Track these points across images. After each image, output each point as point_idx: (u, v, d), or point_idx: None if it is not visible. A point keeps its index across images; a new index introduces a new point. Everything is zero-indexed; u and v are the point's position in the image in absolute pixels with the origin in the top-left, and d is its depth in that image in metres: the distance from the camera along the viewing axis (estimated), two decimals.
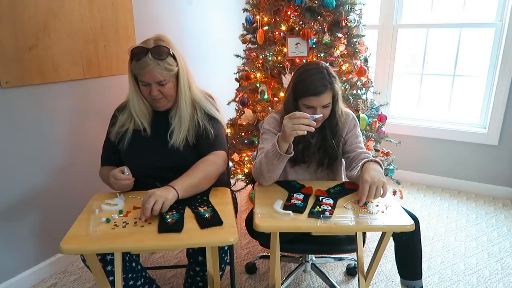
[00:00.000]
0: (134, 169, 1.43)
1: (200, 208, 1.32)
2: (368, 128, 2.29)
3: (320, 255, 2.07)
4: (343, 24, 2.19)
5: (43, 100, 1.93)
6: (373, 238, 2.40)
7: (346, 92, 2.22)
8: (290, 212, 1.29)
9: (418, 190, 3.18)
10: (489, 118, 2.96)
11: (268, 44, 2.33)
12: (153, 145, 1.55)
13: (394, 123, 3.20)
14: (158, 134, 1.55)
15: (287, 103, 1.59)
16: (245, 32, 2.50)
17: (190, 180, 1.38)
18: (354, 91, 2.30)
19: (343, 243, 1.57)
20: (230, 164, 2.49)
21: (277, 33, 2.32)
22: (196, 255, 1.53)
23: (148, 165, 1.52)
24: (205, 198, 1.41)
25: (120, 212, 1.29)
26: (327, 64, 1.59)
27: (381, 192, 1.28)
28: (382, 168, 1.37)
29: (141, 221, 1.23)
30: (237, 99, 2.60)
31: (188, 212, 1.30)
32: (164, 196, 1.25)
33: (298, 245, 1.57)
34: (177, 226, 1.19)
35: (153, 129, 1.56)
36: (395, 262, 1.66)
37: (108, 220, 1.23)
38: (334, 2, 2.13)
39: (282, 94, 2.28)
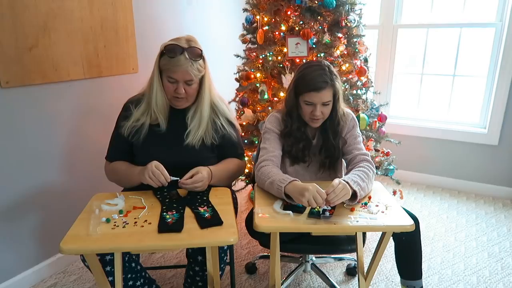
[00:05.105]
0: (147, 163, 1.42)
1: (200, 208, 1.32)
2: (368, 128, 2.29)
3: (320, 255, 2.06)
4: (343, 24, 2.19)
5: (43, 100, 1.93)
6: (373, 238, 2.40)
7: (346, 92, 2.22)
8: (290, 212, 1.29)
9: (418, 190, 3.18)
10: (489, 118, 2.96)
11: (268, 44, 2.33)
12: (169, 141, 1.57)
13: (394, 123, 3.20)
14: (174, 131, 1.57)
15: (288, 100, 1.61)
16: (245, 32, 2.50)
17: (223, 166, 1.59)
18: (354, 91, 2.30)
19: (343, 243, 1.56)
20: None
21: (277, 33, 2.31)
22: (195, 255, 1.53)
23: (163, 161, 1.51)
24: (205, 198, 1.41)
25: (120, 212, 1.29)
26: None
27: (335, 197, 1.26)
28: (356, 198, 1.34)
29: (141, 221, 1.23)
30: (237, 99, 2.60)
31: (188, 212, 1.30)
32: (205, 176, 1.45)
33: (298, 245, 1.57)
34: (177, 226, 1.19)
35: (169, 125, 1.58)
36: (395, 262, 1.66)
37: (108, 220, 1.23)
38: (334, 2, 2.13)
39: (282, 94, 2.28)
